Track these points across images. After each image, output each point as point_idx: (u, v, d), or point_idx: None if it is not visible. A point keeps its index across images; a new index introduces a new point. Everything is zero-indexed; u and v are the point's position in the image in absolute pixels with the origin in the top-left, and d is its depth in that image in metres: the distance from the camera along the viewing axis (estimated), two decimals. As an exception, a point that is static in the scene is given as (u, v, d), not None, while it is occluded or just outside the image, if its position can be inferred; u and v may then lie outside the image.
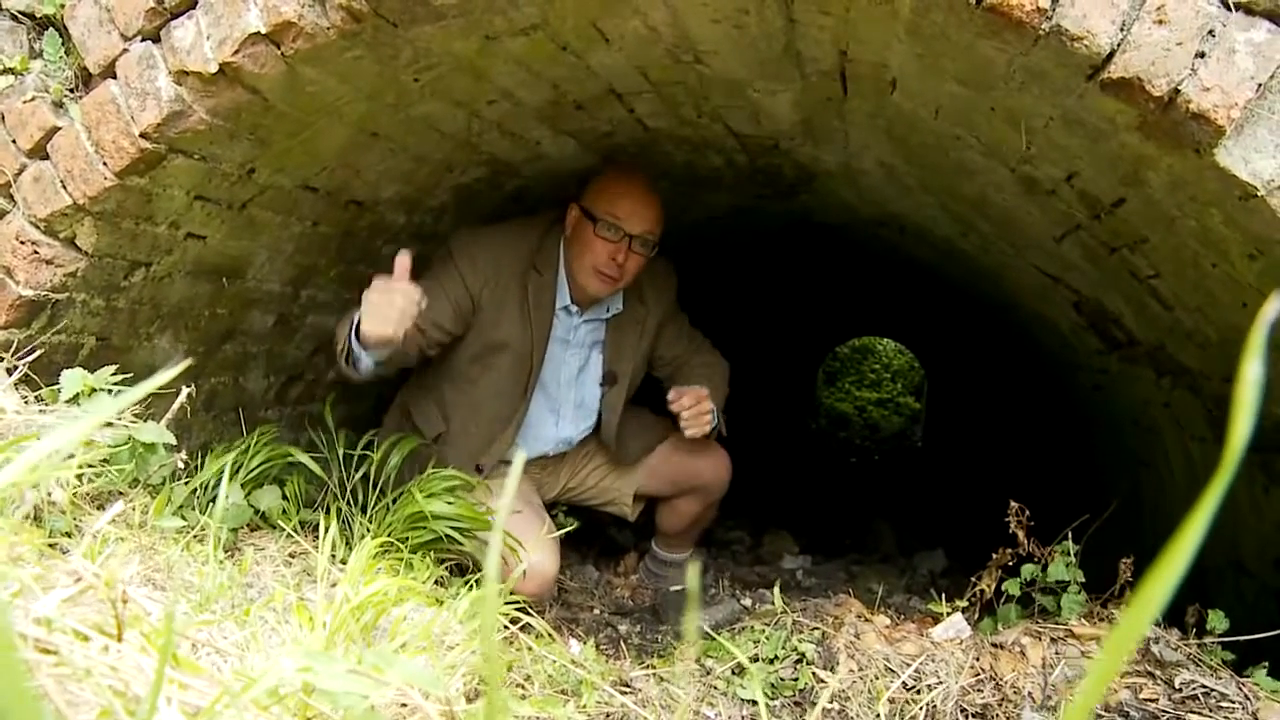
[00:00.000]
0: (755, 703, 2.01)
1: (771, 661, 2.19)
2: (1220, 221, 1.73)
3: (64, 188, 2.09)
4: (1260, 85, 1.45)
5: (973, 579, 2.39)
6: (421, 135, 2.53)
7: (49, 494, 1.55)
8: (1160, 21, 1.46)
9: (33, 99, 2.09)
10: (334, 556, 1.80)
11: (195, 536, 1.82)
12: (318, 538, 1.94)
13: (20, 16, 2.14)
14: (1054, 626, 2.15)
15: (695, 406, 2.89)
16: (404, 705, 1.13)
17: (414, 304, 2.26)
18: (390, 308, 2.23)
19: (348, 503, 2.48)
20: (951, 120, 2.16)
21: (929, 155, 2.55)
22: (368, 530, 2.35)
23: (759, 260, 6.39)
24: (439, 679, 0.98)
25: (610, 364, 3.12)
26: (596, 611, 3.37)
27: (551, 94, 2.45)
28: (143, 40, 2.00)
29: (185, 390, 2.07)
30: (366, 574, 1.70)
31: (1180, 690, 1.89)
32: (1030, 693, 1.95)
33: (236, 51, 1.90)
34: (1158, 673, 1.94)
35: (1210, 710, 1.83)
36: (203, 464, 2.21)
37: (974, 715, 1.93)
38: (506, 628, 1.94)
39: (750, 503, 5.17)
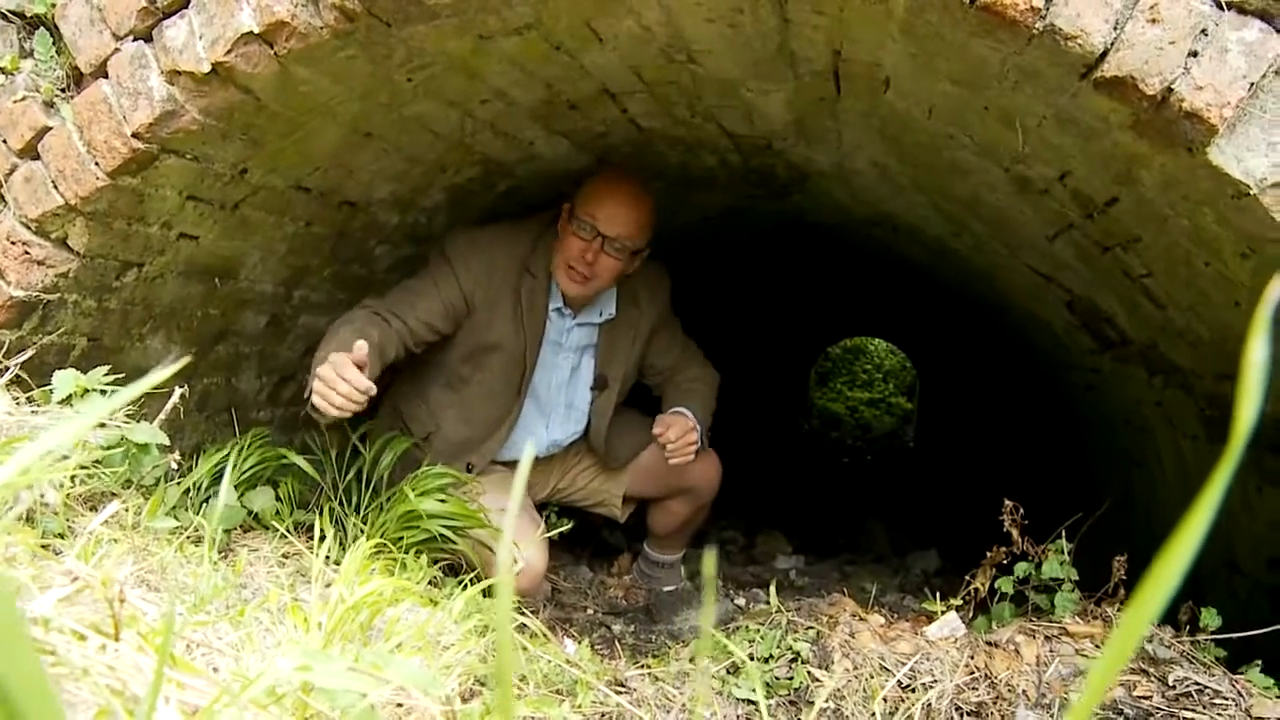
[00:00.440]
0: (750, 702, 2.01)
1: (766, 661, 2.19)
2: (1213, 220, 1.73)
3: (55, 188, 2.08)
4: (1253, 84, 1.45)
5: (967, 577, 2.40)
6: (415, 135, 2.52)
7: (42, 495, 1.55)
8: (1153, 20, 1.47)
9: (23, 99, 2.08)
10: (327, 557, 1.79)
11: (189, 537, 1.81)
12: (311, 538, 1.93)
13: (10, 15, 2.13)
14: (1048, 624, 2.16)
15: (681, 439, 2.88)
16: (400, 705, 1.13)
17: (355, 400, 2.21)
18: (333, 395, 2.21)
19: (341, 503, 2.48)
20: (945, 120, 2.17)
21: (922, 155, 2.55)
22: (361, 530, 2.35)
23: (752, 260, 6.39)
24: (437, 679, 0.98)
25: (601, 368, 3.12)
26: (590, 612, 3.37)
27: (545, 94, 2.45)
28: (135, 40, 2.00)
29: (178, 391, 2.06)
30: (361, 574, 1.69)
31: (1174, 688, 1.89)
32: (1025, 691, 1.96)
33: (229, 51, 1.90)
34: (1152, 670, 1.94)
35: (1204, 707, 1.84)
36: (195, 465, 2.20)
37: (969, 713, 1.93)
38: (501, 628, 1.93)
39: (743, 503, 5.17)
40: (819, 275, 7.23)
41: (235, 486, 2.21)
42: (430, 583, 2.23)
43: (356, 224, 2.89)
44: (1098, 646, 2.06)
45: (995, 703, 1.94)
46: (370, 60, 2.02)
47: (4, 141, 2.12)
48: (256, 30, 1.87)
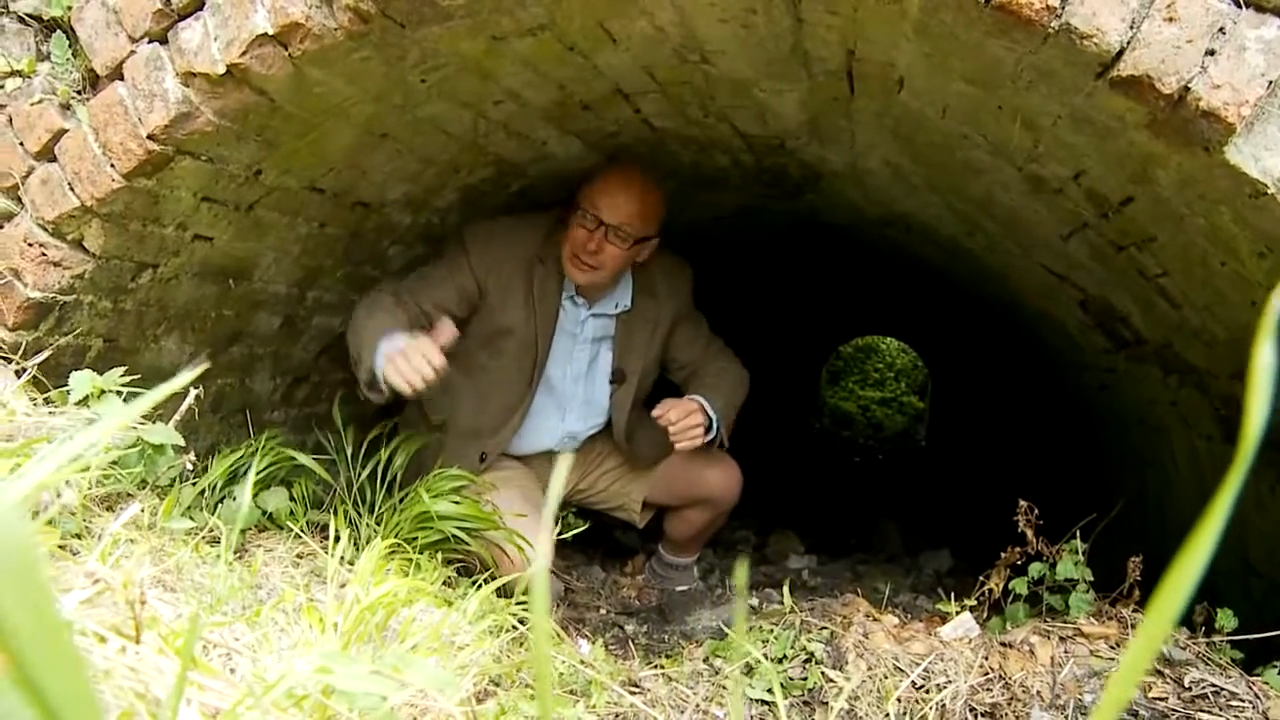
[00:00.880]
0: (765, 702, 2.01)
1: (780, 661, 2.19)
2: (1229, 220, 1.72)
3: (72, 190, 2.09)
4: (1271, 83, 1.44)
5: (981, 578, 2.39)
6: (428, 136, 2.53)
7: (60, 496, 1.56)
8: (1170, 19, 1.46)
9: (40, 101, 2.10)
10: (342, 558, 1.80)
11: (205, 538, 1.82)
12: (325, 539, 1.94)
13: (27, 19, 2.15)
14: (1062, 625, 2.15)
15: (683, 420, 2.84)
16: (414, 706, 1.13)
17: (427, 369, 2.38)
18: (409, 369, 2.38)
19: (355, 503, 2.49)
20: (959, 119, 2.16)
21: (936, 154, 2.55)
22: (375, 531, 2.35)
23: (764, 259, 6.39)
24: (454, 680, 0.98)
25: (619, 360, 3.12)
26: (603, 611, 3.37)
27: (558, 94, 2.45)
28: (150, 42, 2.00)
29: (193, 392, 2.07)
30: (376, 575, 1.70)
31: (1190, 689, 1.88)
32: (1039, 692, 1.95)
33: (244, 53, 1.90)
34: (1167, 671, 1.94)
35: (1220, 709, 1.83)
36: (210, 466, 2.21)
37: (983, 714, 1.92)
38: (515, 628, 1.94)
39: (755, 503, 5.15)
40: (831, 274, 7.21)
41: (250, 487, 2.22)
42: (444, 583, 2.23)
43: (370, 225, 2.89)
44: (1113, 648, 2.05)
45: (1010, 704, 1.94)
46: (384, 61, 2.02)
47: (21, 144, 2.13)
48: (271, 32, 1.88)
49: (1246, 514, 2.44)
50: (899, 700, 1.95)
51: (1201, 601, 2.08)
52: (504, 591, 2.10)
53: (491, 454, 2.99)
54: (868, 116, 2.48)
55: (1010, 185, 2.44)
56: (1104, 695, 0.37)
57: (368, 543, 2.13)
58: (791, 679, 2.13)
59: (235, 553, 1.93)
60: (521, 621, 1.94)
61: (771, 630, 2.33)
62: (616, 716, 1.85)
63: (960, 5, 1.56)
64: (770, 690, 2.02)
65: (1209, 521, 0.36)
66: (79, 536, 1.55)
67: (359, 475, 2.60)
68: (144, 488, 1.95)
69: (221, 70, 1.93)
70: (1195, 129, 1.52)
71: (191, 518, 1.90)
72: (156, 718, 0.68)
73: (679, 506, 3.42)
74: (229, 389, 2.83)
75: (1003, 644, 2.11)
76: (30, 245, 2.13)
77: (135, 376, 2.07)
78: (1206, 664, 1.96)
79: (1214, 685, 1.88)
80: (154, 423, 1.97)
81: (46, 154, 2.12)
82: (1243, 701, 1.84)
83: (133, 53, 2.02)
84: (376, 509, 2.50)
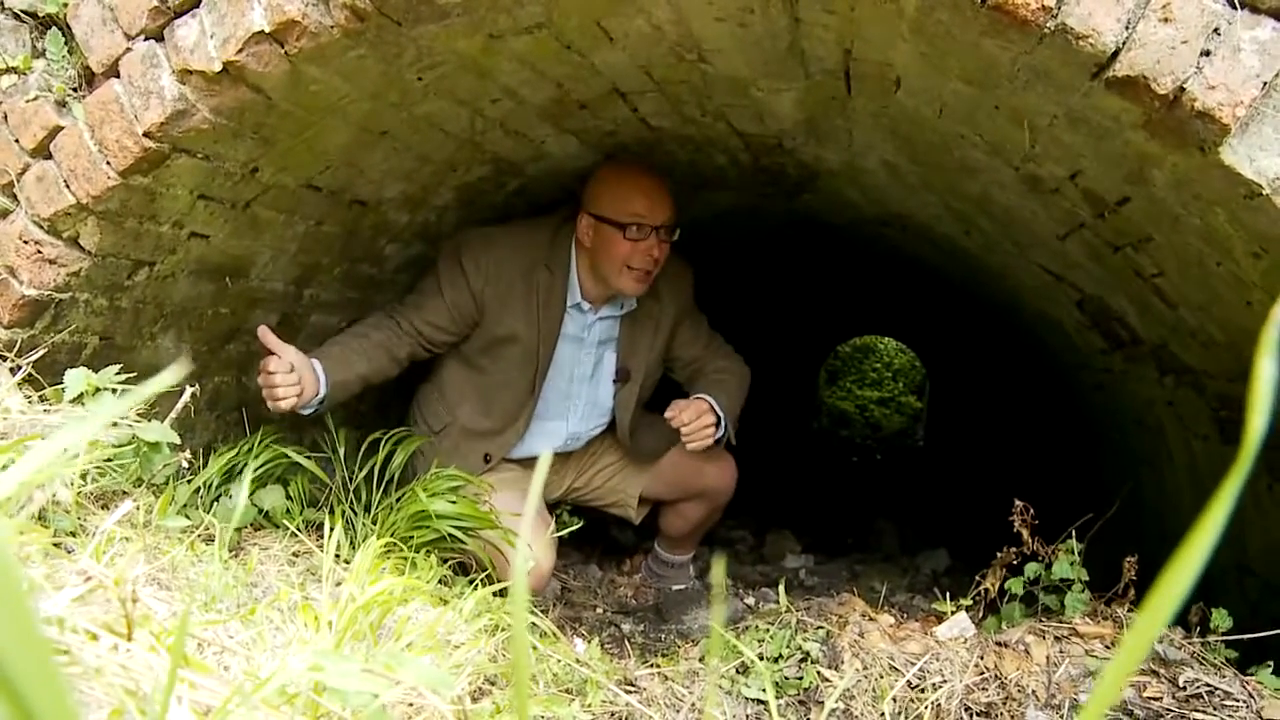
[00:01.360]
0: (760, 702, 2.01)
1: (776, 660, 2.19)
2: (1225, 220, 1.72)
3: (67, 187, 2.08)
4: (1266, 83, 1.44)
5: (977, 577, 2.39)
6: (425, 134, 2.53)
7: (54, 493, 1.55)
8: (1165, 20, 1.46)
9: (36, 98, 2.09)
10: (338, 556, 1.80)
11: (200, 536, 1.82)
12: (321, 537, 1.94)
13: (23, 15, 2.14)
14: (1058, 625, 2.15)
15: (696, 421, 2.84)
16: (410, 705, 1.13)
17: (286, 383, 2.37)
18: (269, 390, 2.38)
19: (351, 502, 2.48)
20: (955, 119, 2.16)
21: (932, 154, 2.55)
22: (371, 529, 2.35)
23: (762, 259, 6.38)
24: (448, 678, 0.98)
25: (624, 360, 3.12)
26: (600, 610, 3.37)
27: (555, 93, 2.45)
28: (146, 39, 2.00)
29: (189, 389, 2.07)
30: (371, 573, 1.70)
31: (1184, 689, 1.88)
32: (1035, 691, 1.95)
33: (240, 50, 1.90)
34: (1162, 671, 1.94)
35: (1214, 709, 1.83)
36: (206, 463, 2.21)
37: (979, 714, 1.93)
38: (511, 626, 1.94)
39: (752, 502, 5.17)
40: (829, 274, 7.21)
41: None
42: (440, 582, 2.23)
43: (367, 223, 2.89)
44: (1108, 647, 2.05)
45: (1005, 703, 1.94)
46: (381, 59, 2.02)
47: (16, 141, 2.12)
48: (267, 29, 1.87)
49: (1243, 514, 2.44)
50: (894, 700, 1.96)
51: (1197, 601, 2.08)
52: (501, 590, 2.10)
53: (496, 456, 2.99)
54: (865, 116, 2.48)
55: (1007, 185, 2.44)
56: (1093, 691, 0.37)
57: (364, 541, 2.13)
58: (787, 678, 2.13)
59: (231, 551, 1.93)
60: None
61: (767, 629, 2.33)
62: (612, 715, 1.85)
63: (956, 5, 1.56)
64: (764, 689, 2.02)
65: (1206, 523, 0.35)
66: (73, 534, 1.55)
67: (356, 474, 2.60)
68: (139, 485, 1.95)
69: (218, 68, 1.93)
70: (1190, 129, 1.52)
71: (187, 516, 1.90)
72: (147, 715, 0.68)
73: (675, 501, 3.42)
74: (225, 386, 2.82)
75: (998, 643, 2.11)
76: (26, 243, 2.13)
77: (131, 374, 2.07)
78: (1201, 664, 1.96)
79: (1209, 685, 1.88)
80: (150, 420, 1.97)
81: (42, 151, 2.11)
82: (1237, 701, 1.84)
83: (129, 50, 2.02)
84: (373, 508, 2.50)
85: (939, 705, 1.94)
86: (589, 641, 2.39)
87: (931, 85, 2.02)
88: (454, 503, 2.50)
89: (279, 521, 2.21)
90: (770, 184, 3.65)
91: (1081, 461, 4.49)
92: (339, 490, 2.53)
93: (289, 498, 2.32)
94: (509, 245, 2.87)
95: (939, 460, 10.66)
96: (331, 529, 1.85)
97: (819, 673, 2.10)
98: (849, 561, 4.74)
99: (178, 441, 1.99)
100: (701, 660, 2.27)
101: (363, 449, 2.67)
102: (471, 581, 2.24)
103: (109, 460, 1.85)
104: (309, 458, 2.43)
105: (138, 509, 1.75)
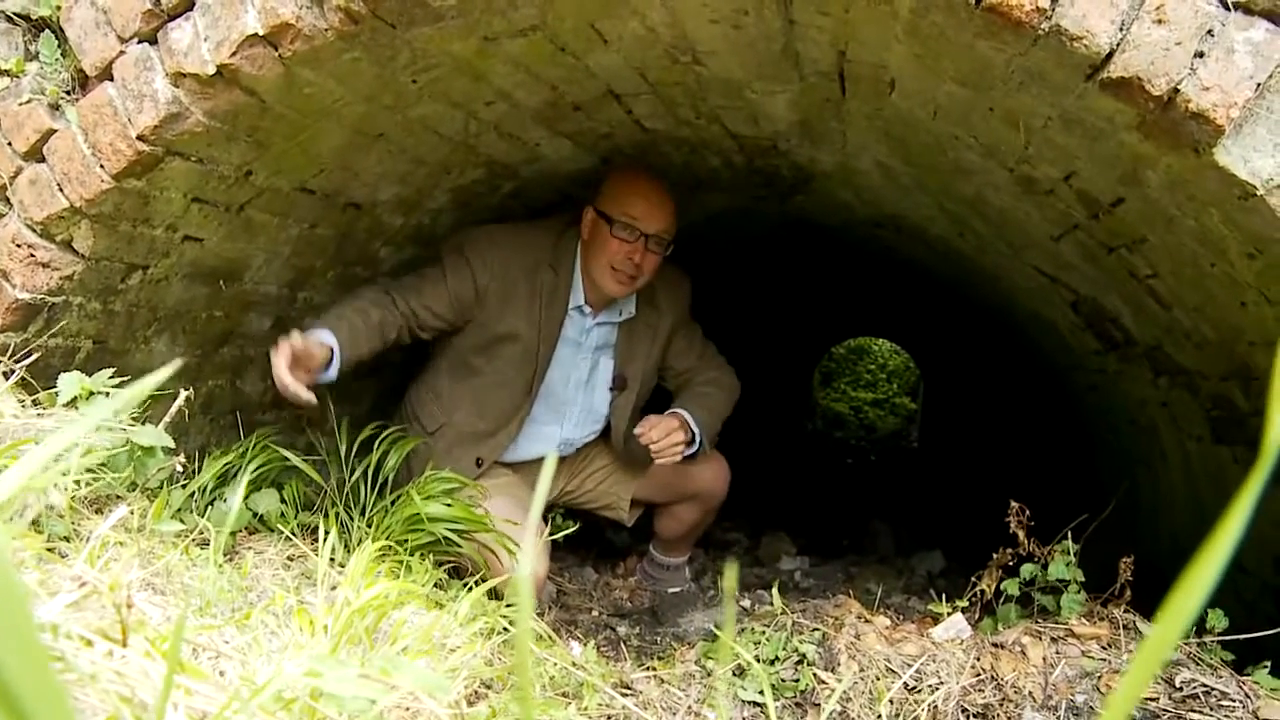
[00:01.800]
0: (757, 704, 2.01)
1: (772, 663, 2.19)
2: (1219, 221, 1.73)
3: (61, 190, 2.08)
4: (1259, 85, 1.45)
5: (973, 579, 2.39)
6: (419, 137, 2.52)
7: (47, 498, 1.55)
8: (1159, 21, 1.46)
9: (29, 101, 2.09)
10: (332, 560, 1.79)
11: (194, 541, 1.81)
12: (316, 541, 1.93)
13: (15, 18, 2.13)
14: (1054, 626, 2.15)
15: (665, 440, 2.84)
16: (407, 709, 1.12)
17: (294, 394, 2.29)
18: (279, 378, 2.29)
19: (346, 505, 2.48)
20: (950, 120, 2.16)
21: (927, 155, 2.55)
22: (366, 533, 2.35)
23: (756, 260, 6.39)
24: (444, 682, 0.98)
25: (620, 368, 3.12)
26: (595, 613, 3.37)
27: (550, 95, 2.45)
28: (140, 42, 1.99)
29: (183, 393, 2.06)
30: (366, 577, 1.69)
31: (1180, 689, 1.89)
32: (1031, 692, 1.95)
33: (234, 53, 1.90)
34: (1158, 671, 1.94)
35: (1210, 709, 1.83)
36: (200, 467, 2.20)
37: (975, 715, 1.93)
38: (506, 630, 1.94)
39: (748, 504, 5.16)
40: (823, 275, 7.22)
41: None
42: (435, 585, 2.23)
43: (361, 226, 2.89)
44: (1104, 648, 2.05)
45: (1001, 704, 1.94)
46: (375, 62, 2.02)
47: (9, 144, 2.12)
48: (261, 32, 1.87)
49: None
50: (891, 701, 1.96)
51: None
52: (495, 594, 2.09)
53: (488, 459, 2.98)
54: (859, 118, 2.48)
55: (1001, 186, 2.44)
56: (1107, 705, 0.36)
57: (359, 544, 2.12)
58: (783, 680, 2.13)
59: (225, 555, 1.93)
60: (513, 624, 1.94)
61: (763, 632, 2.33)
62: (608, 718, 1.84)
63: (951, 7, 1.57)
64: (761, 692, 2.02)
65: (1224, 529, 0.35)
66: (67, 539, 1.54)
67: (350, 477, 2.59)
68: (133, 490, 1.94)
69: (211, 71, 1.92)
70: (1184, 130, 1.53)
71: (181, 520, 1.89)
72: (142, 721, 0.68)
73: (668, 503, 3.42)
74: (219, 390, 2.82)
75: (994, 645, 2.11)
76: (19, 246, 2.12)
77: (125, 378, 2.07)
78: (1197, 664, 1.96)
79: (1205, 685, 1.88)
80: (144, 424, 1.96)
81: (35, 154, 2.10)
82: (1233, 701, 1.84)
83: (122, 53, 2.01)
84: (368, 511, 2.49)
85: (935, 707, 1.94)
86: (585, 645, 2.38)
87: (926, 87, 2.03)
88: (449, 506, 2.49)
89: (274, 525, 2.21)
90: (764, 186, 3.66)
91: (1076, 462, 4.50)
92: (334, 493, 2.52)
93: (284, 501, 2.31)
94: (514, 244, 2.88)
95: (934, 461, 10.67)
96: (326, 533, 1.85)
97: (815, 675, 2.10)
98: (844, 563, 4.74)
99: (171, 445, 1.98)
100: (698, 663, 2.27)
101: (355, 449, 2.66)
102: (466, 585, 2.24)
103: (103, 465, 1.84)
104: (304, 460, 2.43)
105: (132, 514, 1.74)
